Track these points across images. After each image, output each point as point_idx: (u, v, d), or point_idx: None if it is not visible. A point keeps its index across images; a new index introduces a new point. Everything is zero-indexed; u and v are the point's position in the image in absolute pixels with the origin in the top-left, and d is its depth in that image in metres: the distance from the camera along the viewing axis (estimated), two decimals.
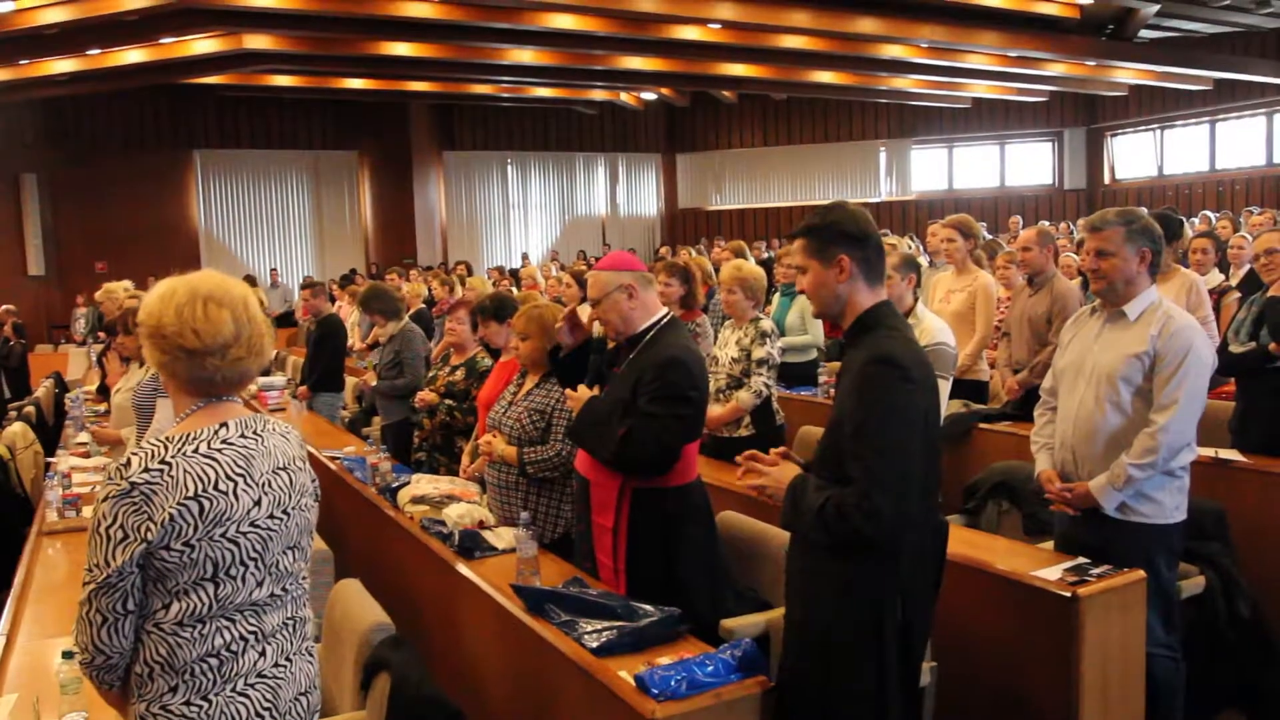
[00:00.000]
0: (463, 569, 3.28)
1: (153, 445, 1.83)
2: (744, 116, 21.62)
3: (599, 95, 19.62)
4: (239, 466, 1.87)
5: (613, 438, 2.97)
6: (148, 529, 1.77)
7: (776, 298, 6.68)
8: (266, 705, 1.91)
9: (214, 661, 1.86)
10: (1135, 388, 3.10)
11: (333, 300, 10.80)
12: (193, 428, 1.88)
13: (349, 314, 10.40)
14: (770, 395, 4.60)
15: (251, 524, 1.87)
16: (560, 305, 4.79)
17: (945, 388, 4.18)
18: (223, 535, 1.83)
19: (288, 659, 1.98)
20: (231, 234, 18.71)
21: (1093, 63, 14.87)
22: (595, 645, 2.51)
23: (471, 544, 3.40)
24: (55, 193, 16.66)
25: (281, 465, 1.95)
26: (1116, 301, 3.18)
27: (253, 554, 1.88)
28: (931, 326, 4.22)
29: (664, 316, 3.18)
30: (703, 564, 3.04)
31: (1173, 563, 3.20)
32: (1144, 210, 3.33)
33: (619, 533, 3.03)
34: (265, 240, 18.97)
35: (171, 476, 1.79)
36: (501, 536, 3.45)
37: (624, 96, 19.86)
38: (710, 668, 2.36)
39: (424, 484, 4.01)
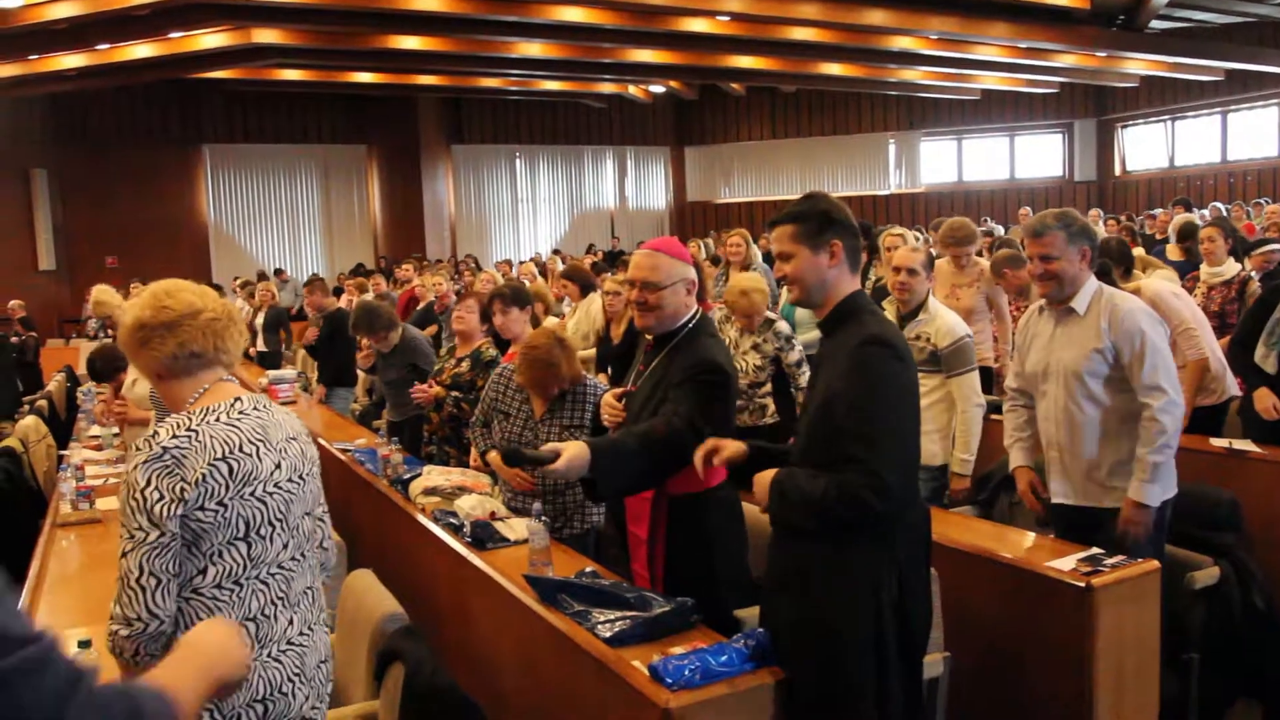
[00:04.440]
0: (475, 560, 3.28)
1: (178, 418, 1.97)
2: (752, 109, 21.58)
3: (607, 88, 19.60)
4: (258, 433, 2.02)
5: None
6: (183, 489, 1.88)
7: (785, 292, 6.67)
8: (296, 671, 2.05)
9: (251, 626, 1.98)
10: (1103, 378, 3.26)
11: (340, 293, 10.83)
12: (209, 403, 2.03)
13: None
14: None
15: (275, 485, 2.01)
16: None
17: (974, 379, 4.16)
18: (251, 494, 1.97)
19: (310, 628, 2.11)
20: (240, 229, 18.74)
21: (1103, 53, 14.80)
22: (608, 635, 2.51)
23: (484, 535, 3.40)
24: (65, 188, 16.70)
25: (291, 435, 2.12)
26: (1064, 299, 3.33)
27: (278, 514, 2.02)
28: (949, 321, 4.19)
29: (697, 312, 3.06)
30: (739, 564, 3.02)
31: (1161, 539, 3.28)
32: (1075, 211, 3.47)
33: (656, 542, 2.94)
34: (274, 235, 18.99)
35: (200, 441, 1.93)
36: (514, 528, 3.45)
37: (632, 90, 19.84)
38: (724, 657, 2.35)
39: (435, 475, 4.01)
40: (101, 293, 7.26)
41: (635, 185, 22.43)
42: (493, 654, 3.18)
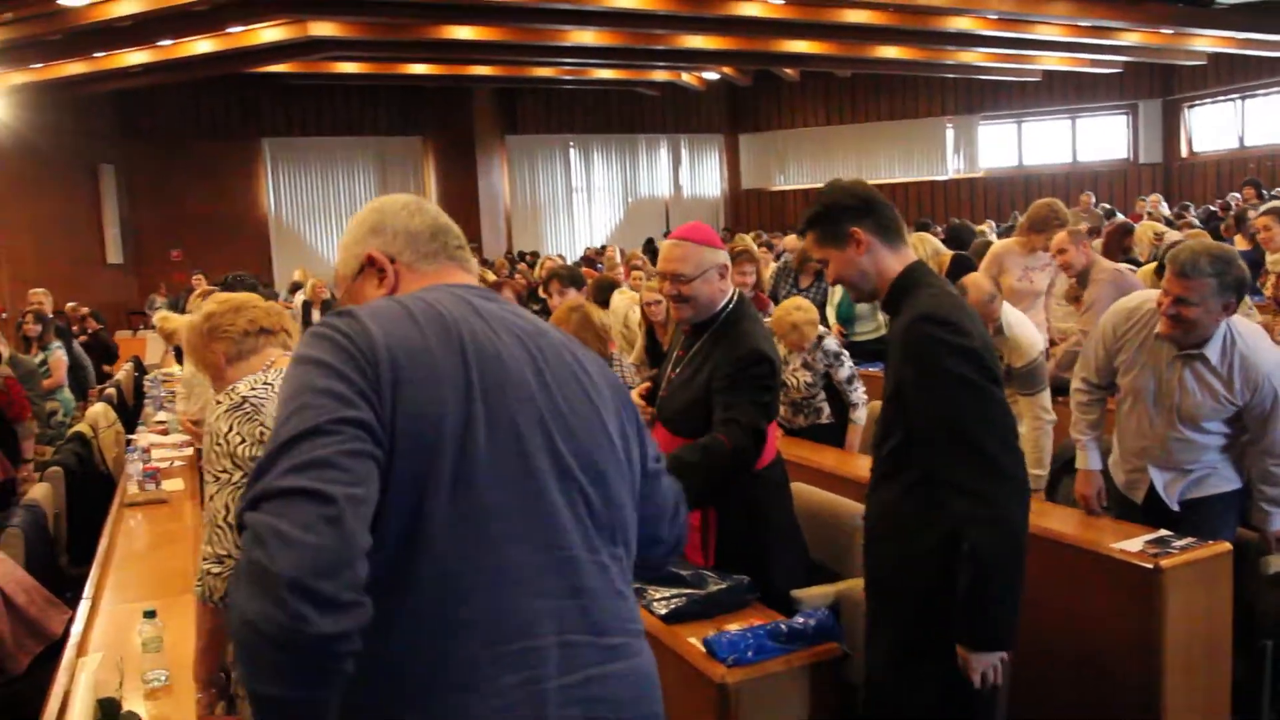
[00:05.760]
0: None
1: (254, 375, 2.13)
2: (807, 95, 21.38)
3: (660, 76, 19.54)
4: None
5: (715, 469, 2.73)
6: (261, 432, 2.02)
7: (839, 290, 6.58)
8: None
9: None
10: (1222, 420, 3.14)
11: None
12: (280, 367, 2.20)
13: None
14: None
15: None
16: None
17: (1045, 397, 4.03)
18: None
19: None
20: (300, 221, 19.03)
21: (1169, 31, 14.41)
22: (664, 612, 2.50)
23: None
24: (132, 183, 17.09)
25: None
26: (1191, 344, 3.09)
27: None
28: (1024, 340, 3.94)
29: (734, 296, 2.98)
30: (790, 544, 2.98)
31: (1235, 523, 3.21)
32: (1235, 252, 3.15)
33: (709, 524, 2.90)
34: (333, 227, 19.26)
35: (276, 393, 2.05)
36: None
37: (685, 77, 19.75)
38: (781, 635, 2.34)
39: None
40: (165, 320, 7.29)
41: (689, 174, 22.36)
42: None
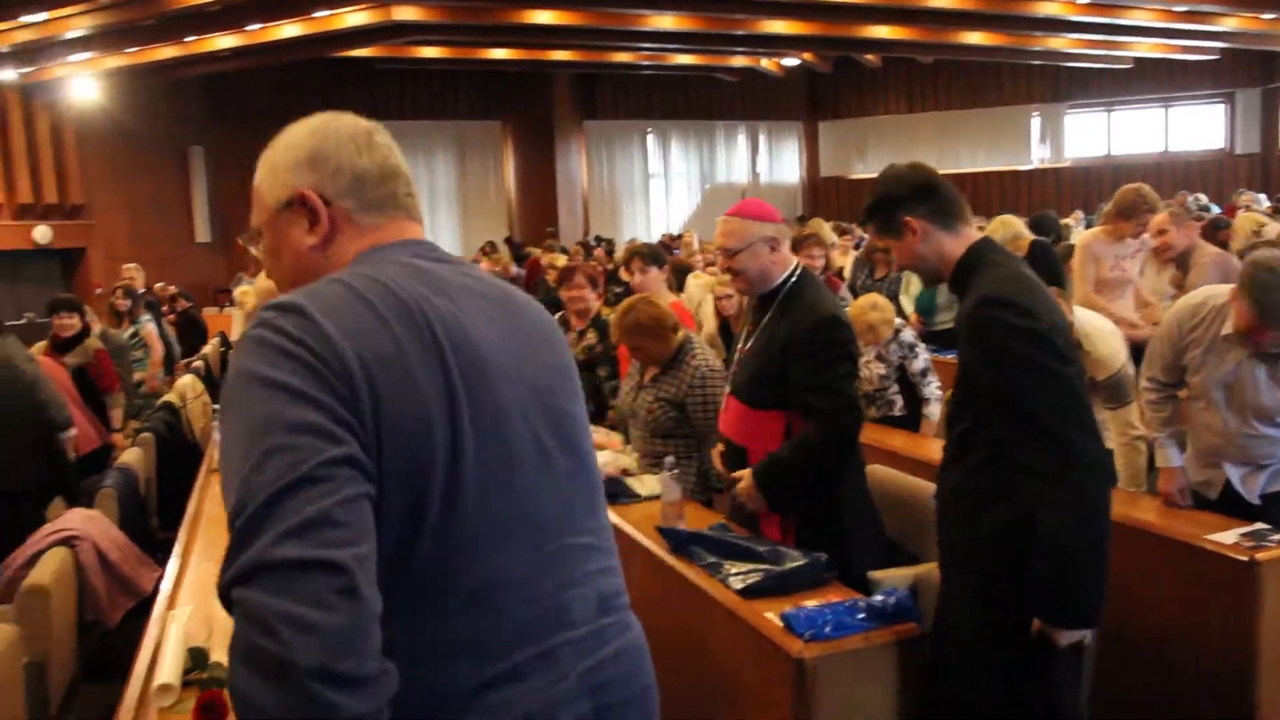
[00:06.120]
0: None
1: None
2: (889, 81, 21.06)
3: (739, 62, 19.39)
4: None
5: (810, 465, 2.79)
6: None
7: (916, 281, 6.47)
8: None
9: None
10: None
11: None
12: None
13: None
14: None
15: None
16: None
17: (1132, 411, 3.90)
18: None
19: None
20: None
21: (1270, 15, 13.85)
22: (741, 586, 2.49)
23: (614, 490, 3.42)
24: (219, 164, 17.51)
25: None
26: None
27: None
28: (1105, 351, 3.74)
29: (797, 268, 2.99)
30: (867, 524, 2.96)
31: None
32: None
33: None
34: None
35: None
36: (645, 483, 3.46)
37: (764, 63, 19.57)
38: (861, 613, 2.31)
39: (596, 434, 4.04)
40: (244, 295, 7.48)
41: (767, 160, 22.19)
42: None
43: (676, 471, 3.06)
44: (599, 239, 16.59)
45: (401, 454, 1.10)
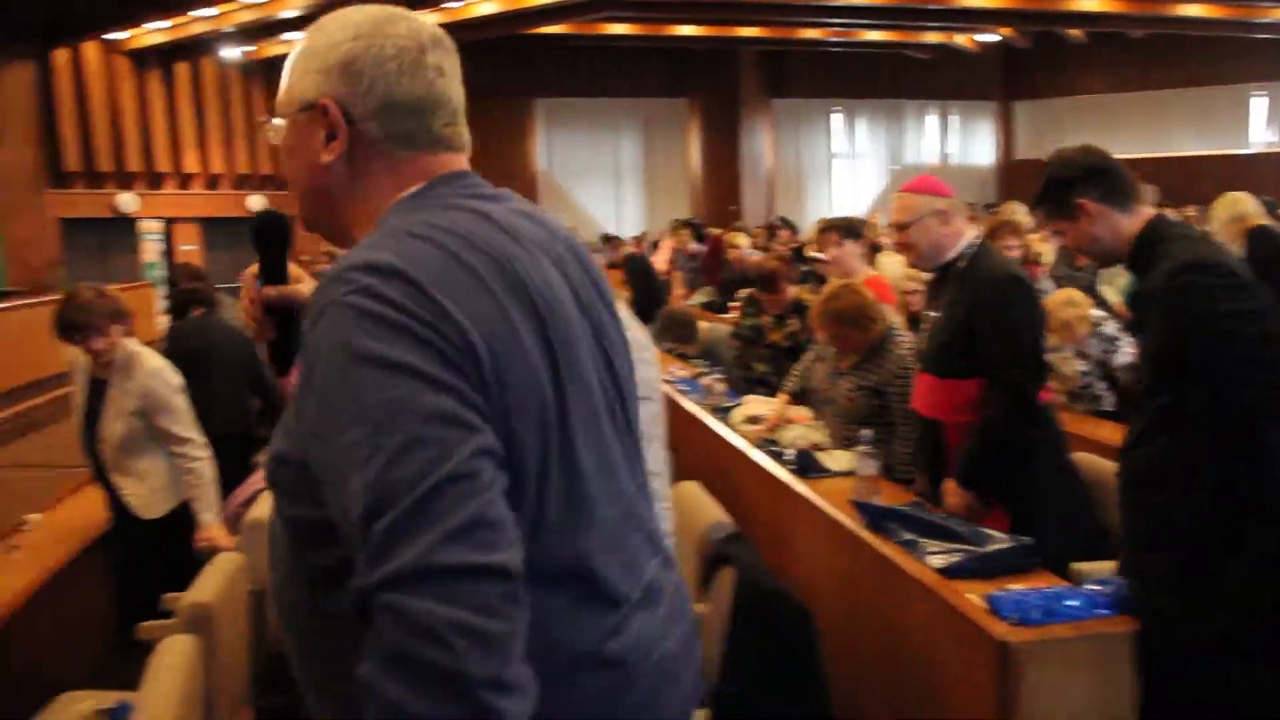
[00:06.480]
0: (797, 486, 3.28)
1: None
2: (1093, 58, 19.88)
3: (933, 38, 18.77)
4: None
5: (990, 444, 2.79)
6: None
7: (1124, 276, 6.10)
8: None
9: None
10: None
11: (655, 247, 11.43)
12: None
13: (665, 253, 11.02)
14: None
15: None
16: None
17: None
18: None
19: None
20: (569, 180, 19.75)
21: None
22: (941, 565, 2.43)
23: (807, 464, 3.40)
24: None
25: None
26: None
27: None
28: None
29: (976, 239, 3.01)
30: (1074, 510, 2.86)
31: None
32: None
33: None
34: (599, 188, 19.85)
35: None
36: (837, 459, 3.42)
37: (959, 39, 18.87)
38: (1073, 600, 2.21)
39: (757, 404, 4.05)
40: None
41: (959, 141, 21.44)
42: (811, 580, 3.18)
43: (875, 448, 3.01)
44: (782, 220, 16.44)
45: (524, 432, 1.05)
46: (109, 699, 2.56)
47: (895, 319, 3.78)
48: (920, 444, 3.10)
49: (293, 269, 1.35)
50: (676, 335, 6.14)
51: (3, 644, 2.85)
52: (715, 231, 13.72)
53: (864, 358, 3.57)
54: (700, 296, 9.63)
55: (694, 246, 11.74)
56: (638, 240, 13.73)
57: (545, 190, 19.43)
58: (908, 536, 2.62)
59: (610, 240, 10.33)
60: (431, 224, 1.10)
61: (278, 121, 1.25)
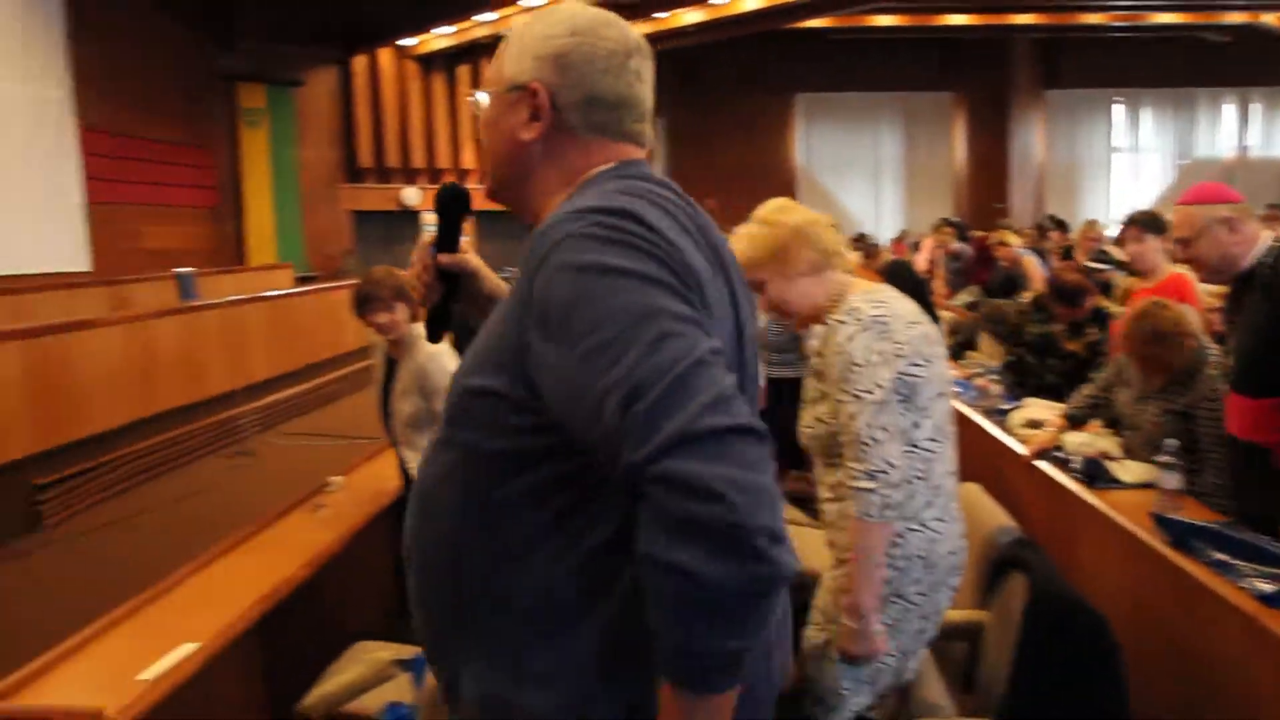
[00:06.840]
0: (1085, 495, 3.08)
1: (856, 300, 2.16)
2: None
3: (1234, 18, 17.10)
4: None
5: None
6: (898, 349, 2.07)
7: None
8: (921, 553, 2.15)
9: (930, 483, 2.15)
10: None
11: (916, 247, 11.38)
12: (860, 290, 2.22)
13: (927, 253, 10.73)
14: None
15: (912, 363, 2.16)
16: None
17: None
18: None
19: (945, 516, 2.19)
20: (827, 175, 19.50)
21: None
22: (1270, 590, 2.20)
23: (1095, 472, 3.18)
24: (677, 135, 18.65)
25: (915, 320, 2.24)
26: None
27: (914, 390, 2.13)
28: None
29: (1276, 243, 2.69)
30: None
31: None
32: None
33: None
34: (857, 184, 19.49)
35: (893, 312, 2.12)
36: (1128, 469, 3.18)
37: (1266, 18, 17.08)
38: None
39: (1039, 408, 3.83)
40: None
41: (1261, 133, 19.45)
42: (1097, 594, 2.97)
43: (1179, 461, 2.77)
44: (1053, 219, 15.54)
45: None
46: (406, 651, 2.73)
47: (1201, 329, 3.45)
48: (1235, 469, 2.82)
49: (463, 242, 1.50)
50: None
51: (313, 592, 3.11)
52: (979, 234, 13.15)
53: (1174, 379, 3.28)
54: (964, 296, 9.24)
55: (956, 246, 11.31)
56: (898, 240, 13.36)
57: (804, 186, 19.28)
58: (1218, 557, 2.40)
59: (862, 240, 10.07)
60: (636, 187, 1.22)
61: (482, 96, 1.37)
